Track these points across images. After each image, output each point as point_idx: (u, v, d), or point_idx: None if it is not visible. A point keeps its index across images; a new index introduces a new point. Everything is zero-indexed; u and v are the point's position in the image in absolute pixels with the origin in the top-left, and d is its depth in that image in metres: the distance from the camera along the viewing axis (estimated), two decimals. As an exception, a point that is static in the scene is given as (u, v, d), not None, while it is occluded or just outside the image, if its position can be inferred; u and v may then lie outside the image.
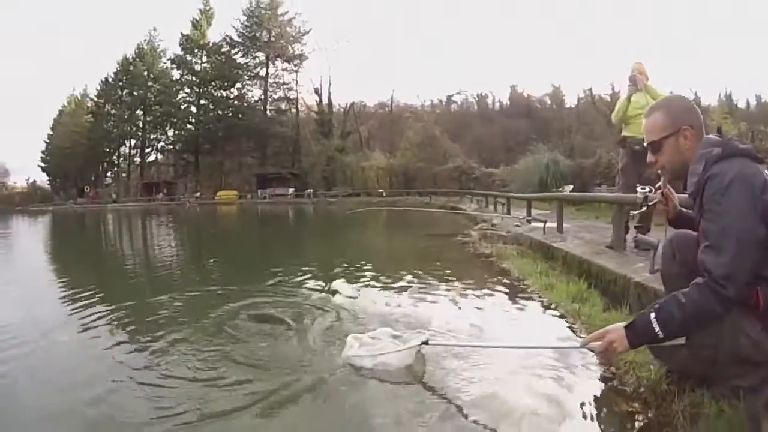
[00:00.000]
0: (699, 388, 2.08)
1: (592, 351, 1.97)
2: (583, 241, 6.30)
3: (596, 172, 20.83)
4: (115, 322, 3.96)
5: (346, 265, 6.94)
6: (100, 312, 4.25)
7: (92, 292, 5.24)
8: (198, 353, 3.03)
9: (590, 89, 51.34)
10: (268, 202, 45.10)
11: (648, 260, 3.66)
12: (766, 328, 1.82)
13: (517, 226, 9.80)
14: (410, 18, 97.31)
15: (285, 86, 61.46)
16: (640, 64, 5.98)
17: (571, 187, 19.07)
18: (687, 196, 2.02)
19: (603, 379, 2.52)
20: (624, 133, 6.01)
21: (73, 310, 4.45)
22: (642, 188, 2.41)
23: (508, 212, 13.16)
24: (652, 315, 1.76)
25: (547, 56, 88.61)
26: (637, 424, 2.07)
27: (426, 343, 2.67)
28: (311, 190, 47.75)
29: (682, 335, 1.84)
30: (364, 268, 6.57)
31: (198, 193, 53.36)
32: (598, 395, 2.36)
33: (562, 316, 3.81)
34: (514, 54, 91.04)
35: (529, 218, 9.97)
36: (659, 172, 2.14)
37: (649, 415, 2.11)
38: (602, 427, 2.08)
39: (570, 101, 55.06)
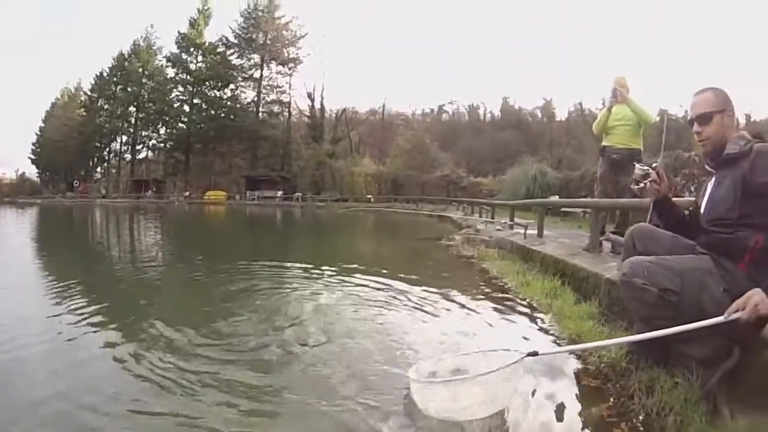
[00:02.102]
0: (656, 367, 2.21)
1: (737, 320, 1.87)
2: (561, 245, 6.43)
3: (582, 184, 20.99)
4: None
5: (338, 263, 6.96)
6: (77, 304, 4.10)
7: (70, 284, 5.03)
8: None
9: (580, 103, 51.88)
10: (257, 204, 44.92)
11: (619, 260, 3.80)
12: (749, 278, 1.98)
13: (499, 230, 9.94)
14: (406, 27, 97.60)
15: (278, 89, 61.31)
16: (623, 78, 6.17)
17: (556, 197, 19.29)
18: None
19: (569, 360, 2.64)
20: (604, 143, 6.18)
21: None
22: (642, 166, 2.53)
23: (492, 219, 13.29)
24: None
25: (539, 69, 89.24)
26: (598, 397, 2.22)
27: (534, 354, 2.03)
28: (300, 194, 47.62)
29: None
30: (354, 266, 6.57)
31: (187, 192, 53.01)
32: (565, 373, 2.47)
33: (533, 308, 3.94)
34: (507, 66, 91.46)
35: (512, 223, 10.11)
36: (700, 143, 2.31)
37: (610, 388, 2.22)
38: (567, 400, 2.23)
39: (561, 114, 55.60)
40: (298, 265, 6.51)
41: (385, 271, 5.84)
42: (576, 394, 2.29)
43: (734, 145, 2.15)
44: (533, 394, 2.28)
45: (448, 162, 47.62)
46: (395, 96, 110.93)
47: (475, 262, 6.98)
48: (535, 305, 4.08)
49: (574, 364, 2.61)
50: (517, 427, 1.99)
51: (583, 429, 1.99)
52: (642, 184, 2.45)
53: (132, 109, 62.13)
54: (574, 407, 2.16)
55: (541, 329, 3.47)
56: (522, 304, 4.22)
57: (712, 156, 2.27)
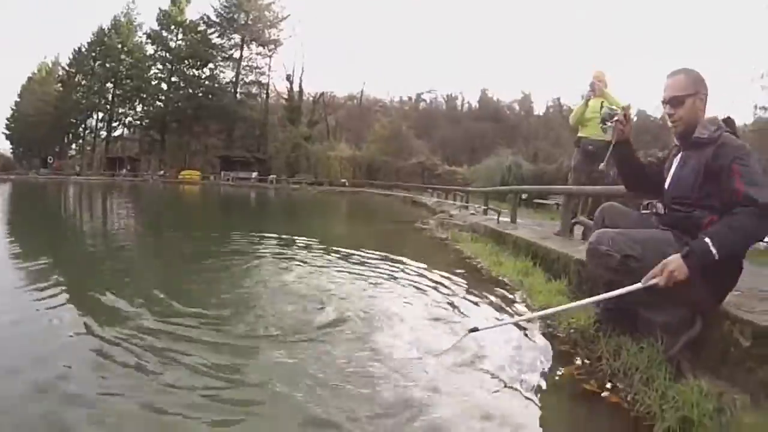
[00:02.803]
0: (623, 335, 2.30)
1: (654, 286, 2.02)
2: (533, 231, 6.55)
3: (557, 177, 21.26)
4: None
5: (318, 243, 6.90)
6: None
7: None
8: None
9: (558, 98, 52.49)
10: (231, 184, 44.44)
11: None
12: None
13: (473, 214, 10.05)
14: (388, 13, 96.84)
15: (257, 70, 60.16)
16: (601, 72, 6.27)
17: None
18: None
19: (541, 327, 2.73)
20: (579, 134, 6.29)
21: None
22: (610, 106, 2.61)
23: (466, 206, 13.43)
24: (708, 240, 1.96)
25: (519, 63, 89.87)
26: (570, 360, 2.34)
27: (475, 330, 2.43)
28: (274, 176, 47.27)
29: (732, 254, 2.05)
30: (335, 244, 6.54)
31: (162, 171, 52.04)
32: (536, 340, 2.58)
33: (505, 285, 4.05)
34: (487, 58, 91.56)
35: (486, 208, 10.23)
36: (672, 123, 2.37)
37: (579, 352, 2.32)
38: (540, 362, 2.35)
39: (539, 109, 56.23)
40: (274, 243, 6.49)
41: (360, 250, 5.86)
42: (547, 357, 2.39)
43: (704, 130, 2.24)
44: (505, 356, 2.37)
45: (423, 150, 47.74)
46: (374, 82, 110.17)
47: (449, 243, 7.08)
48: (506, 282, 4.19)
49: (545, 332, 2.70)
50: (491, 384, 2.07)
51: (554, 385, 2.08)
52: (608, 124, 2.52)
53: (109, 85, 60.21)
54: (545, 367, 2.27)
55: (512, 301, 3.59)
56: (494, 281, 4.33)
57: (683, 136, 2.35)
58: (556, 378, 2.18)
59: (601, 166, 3.01)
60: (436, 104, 63.49)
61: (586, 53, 74.44)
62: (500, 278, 4.41)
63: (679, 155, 2.37)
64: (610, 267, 2.21)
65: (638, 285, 2.03)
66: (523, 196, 15.59)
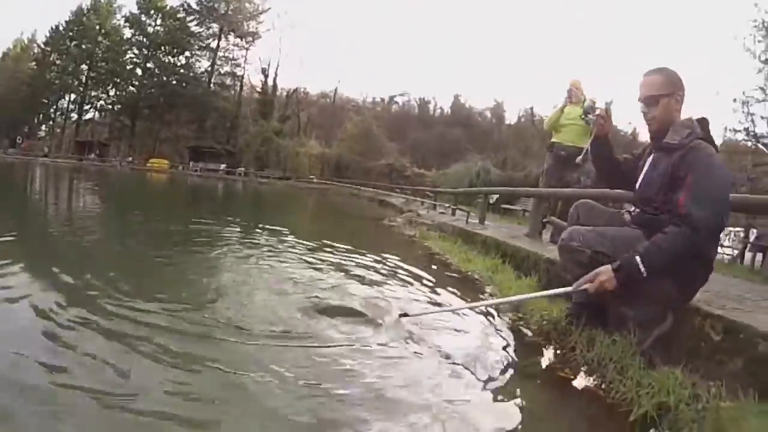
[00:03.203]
0: (594, 328, 2.29)
1: (584, 291, 2.11)
2: (502, 232, 6.59)
3: (525, 184, 21.51)
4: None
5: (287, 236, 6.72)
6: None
7: None
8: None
9: (531, 108, 53.22)
10: (199, 175, 43.79)
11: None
12: None
13: (443, 213, 10.09)
14: (365, 14, 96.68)
15: (233, 62, 59.23)
16: (578, 81, 6.36)
17: (497, 196, 19.72)
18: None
19: (513, 320, 2.71)
20: (553, 139, 6.36)
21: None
22: (593, 99, 2.60)
23: (434, 207, 13.47)
24: (638, 258, 2.01)
25: (493, 72, 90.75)
26: (543, 351, 2.34)
27: (405, 315, 2.57)
28: (243, 169, 46.83)
29: (660, 272, 2.05)
30: (304, 237, 6.37)
31: (130, 158, 50.85)
32: (511, 334, 2.57)
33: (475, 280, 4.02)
34: (461, 65, 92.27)
35: (455, 208, 10.28)
36: (647, 122, 2.36)
37: (552, 343, 2.32)
38: (516, 354, 2.32)
39: (510, 118, 56.97)
40: (239, 231, 6.34)
41: (329, 242, 5.73)
42: (520, 348, 2.37)
43: (675, 135, 2.23)
44: (479, 347, 2.34)
45: (393, 151, 47.92)
46: (348, 82, 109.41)
47: (417, 240, 7.06)
48: (477, 278, 4.19)
49: (517, 324, 2.69)
50: (464, 375, 2.03)
51: (528, 375, 2.06)
52: (589, 116, 2.52)
53: (84, 67, 58.37)
54: (519, 357, 2.25)
55: (483, 295, 3.57)
56: (464, 277, 4.31)
57: (656, 136, 2.34)
58: (530, 367, 2.15)
59: (578, 159, 3.03)
60: (409, 107, 63.83)
61: (561, 64, 75.93)
62: (469, 273, 4.40)
63: (652, 155, 2.37)
64: (582, 262, 2.24)
65: (569, 289, 2.15)
66: (491, 201, 15.76)
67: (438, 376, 1.98)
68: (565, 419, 1.83)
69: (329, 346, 2.15)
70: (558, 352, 2.25)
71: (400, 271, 4.32)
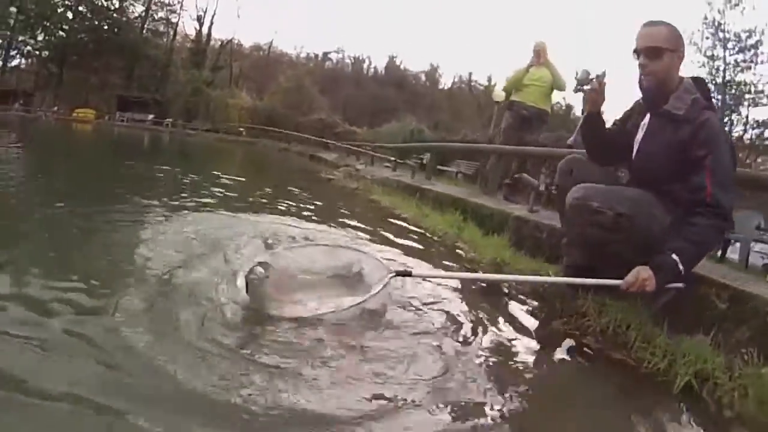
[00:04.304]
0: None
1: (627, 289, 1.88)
2: (452, 188, 6.42)
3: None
4: None
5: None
6: None
7: None
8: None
9: (470, 73, 53.61)
10: (126, 125, 41.55)
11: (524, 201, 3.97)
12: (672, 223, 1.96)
13: (387, 166, 9.84)
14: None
15: (169, 7, 55.57)
16: (544, 43, 6.21)
17: (429, 155, 19.69)
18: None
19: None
20: (514, 98, 6.20)
21: None
22: (587, 71, 2.32)
23: (372, 163, 13.17)
24: (675, 257, 1.83)
25: (431, 37, 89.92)
26: (551, 316, 2.16)
27: (406, 274, 1.97)
28: (171, 120, 44.78)
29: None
30: (242, 193, 5.82)
31: (56, 108, 47.10)
32: (512, 296, 2.41)
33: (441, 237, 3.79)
34: (398, 27, 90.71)
35: (400, 162, 10.07)
36: (644, 76, 2.07)
37: (559, 309, 2.15)
38: (521, 318, 2.16)
39: (445, 82, 57.27)
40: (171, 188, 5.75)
41: (267, 197, 5.29)
42: (528, 313, 2.20)
43: (680, 104, 1.99)
44: (485, 314, 2.11)
45: (325, 107, 47.29)
46: (283, 36, 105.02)
47: (360, 193, 6.76)
48: (441, 235, 3.92)
49: (520, 289, 2.48)
50: (475, 342, 1.81)
51: (545, 340, 1.88)
52: (583, 88, 2.27)
53: (13, 9, 52.63)
54: (529, 323, 2.07)
55: (458, 255, 3.35)
56: (429, 233, 4.06)
57: (652, 94, 2.09)
58: (545, 331, 1.97)
59: (569, 140, 2.80)
60: (343, 64, 62.75)
61: (500, 33, 76.50)
62: (430, 229, 4.14)
63: (647, 120, 2.12)
64: (604, 226, 1.96)
65: (618, 282, 1.88)
66: (424, 160, 15.60)
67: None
68: (597, 392, 1.63)
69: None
70: (568, 318, 2.03)
71: (353, 229, 3.90)
